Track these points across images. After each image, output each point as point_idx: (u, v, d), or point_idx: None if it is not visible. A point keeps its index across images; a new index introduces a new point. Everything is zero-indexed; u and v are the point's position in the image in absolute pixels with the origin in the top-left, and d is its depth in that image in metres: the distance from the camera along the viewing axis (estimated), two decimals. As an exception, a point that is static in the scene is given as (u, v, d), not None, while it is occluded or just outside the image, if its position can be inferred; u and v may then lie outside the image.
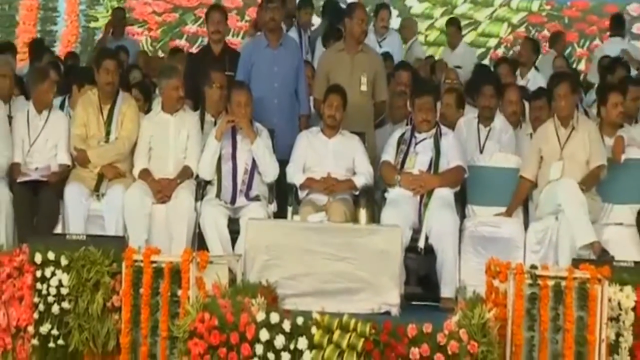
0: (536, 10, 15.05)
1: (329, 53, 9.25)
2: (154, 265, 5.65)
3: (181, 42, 14.69)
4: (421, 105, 8.15)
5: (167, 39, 15.05)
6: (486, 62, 14.05)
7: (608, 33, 13.13)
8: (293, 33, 10.91)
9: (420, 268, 7.59)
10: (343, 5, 11.32)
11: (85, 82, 8.80)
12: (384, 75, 8.95)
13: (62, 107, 8.97)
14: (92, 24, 15.22)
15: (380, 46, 10.81)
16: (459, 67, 10.77)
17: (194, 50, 12.84)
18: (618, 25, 12.88)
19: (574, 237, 7.49)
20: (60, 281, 5.84)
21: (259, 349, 5.02)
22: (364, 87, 8.67)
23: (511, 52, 14.10)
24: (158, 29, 15.04)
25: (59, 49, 14.81)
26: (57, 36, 15.35)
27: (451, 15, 13.74)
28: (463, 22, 13.64)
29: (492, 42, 14.92)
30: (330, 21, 11.02)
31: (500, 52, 14.77)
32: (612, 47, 12.12)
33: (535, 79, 10.86)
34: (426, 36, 14.81)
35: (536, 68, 11.36)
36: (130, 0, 15.14)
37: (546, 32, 14.54)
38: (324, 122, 8.21)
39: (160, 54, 14.04)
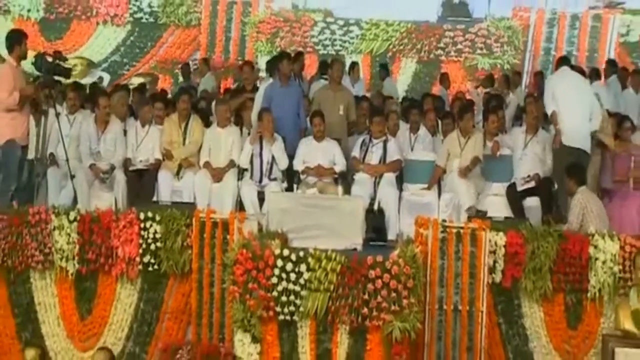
0: (409, 27, 15.67)
1: (320, 90, 9.17)
2: (212, 220, 5.64)
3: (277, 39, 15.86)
4: (376, 122, 8.17)
5: (271, 38, 15.84)
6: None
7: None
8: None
9: (375, 222, 7.54)
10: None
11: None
12: (353, 105, 8.87)
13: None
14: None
15: (353, 87, 10.75)
16: None
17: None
18: (444, 80, 12.97)
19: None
20: (155, 230, 5.83)
21: (277, 271, 5.00)
22: (341, 112, 8.62)
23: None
24: (269, 33, 15.72)
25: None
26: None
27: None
28: (379, 35, 15.53)
29: (392, 40, 15.56)
30: (323, 72, 11.00)
31: (396, 42, 15.84)
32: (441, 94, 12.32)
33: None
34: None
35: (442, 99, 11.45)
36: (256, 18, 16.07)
37: (413, 36, 15.72)
38: (314, 134, 8.19)
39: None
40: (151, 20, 15.40)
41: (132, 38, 15.41)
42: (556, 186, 7.69)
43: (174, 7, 15.34)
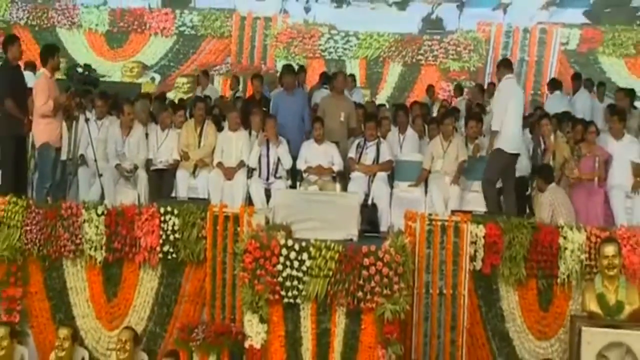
0: (396, 37, 16.60)
1: (324, 98, 9.14)
2: (224, 214, 5.64)
3: (291, 47, 16.97)
4: (369, 127, 8.18)
5: (287, 46, 17.07)
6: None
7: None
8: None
9: (369, 215, 7.51)
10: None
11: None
12: (354, 112, 8.84)
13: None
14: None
15: (351, 95, 10.75)
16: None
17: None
18: (430, 90, 13.30)
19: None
20: (174, 222, 5.82)
21: (281, 259, 5.00)
22: (342, 119, 8.59)
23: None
24: (285, 42, 17.00)
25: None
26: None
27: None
28: (373, 44, 16.43)
29: (383, 48, 16.63)
30: (325, 82, 10.98)
31: (385, 49, 16.77)
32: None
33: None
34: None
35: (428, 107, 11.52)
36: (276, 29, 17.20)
37: (399, 45, 16.61)
38: (314, 138, 8.18)
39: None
40: (192, 32, 17.43)
41: (177, 46, 17.42)
42: (500, 185, 7.51)
43: (211, 22, 17.30)
